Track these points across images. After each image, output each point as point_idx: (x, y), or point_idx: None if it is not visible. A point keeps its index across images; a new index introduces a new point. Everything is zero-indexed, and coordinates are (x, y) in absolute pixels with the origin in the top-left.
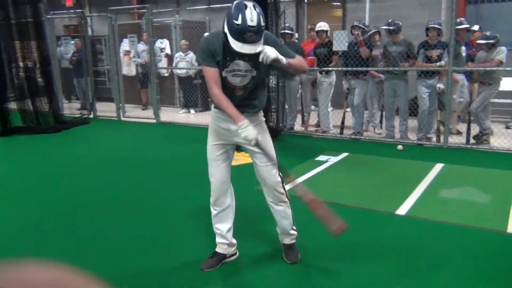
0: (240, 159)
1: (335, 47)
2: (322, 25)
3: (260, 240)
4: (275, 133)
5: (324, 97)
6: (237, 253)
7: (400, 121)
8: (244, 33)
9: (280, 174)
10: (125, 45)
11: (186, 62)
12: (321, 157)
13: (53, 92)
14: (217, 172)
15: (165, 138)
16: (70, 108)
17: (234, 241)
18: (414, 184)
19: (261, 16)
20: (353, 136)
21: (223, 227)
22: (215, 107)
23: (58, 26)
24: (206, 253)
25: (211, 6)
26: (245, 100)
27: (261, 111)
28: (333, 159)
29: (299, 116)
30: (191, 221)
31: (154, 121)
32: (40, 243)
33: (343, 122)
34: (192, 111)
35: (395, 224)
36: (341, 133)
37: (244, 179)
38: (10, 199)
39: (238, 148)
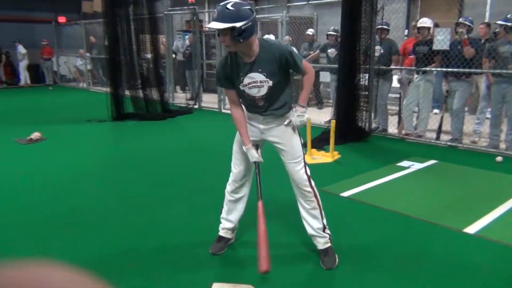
0: (319, 158)
1: (435, 46)
2: (424, 21)
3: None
4: (363, 134)
5: (424, 99)
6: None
7: (507, 130)
8: (216, 12)
9: (307, 173)
10: None
11: None
12: (404, 163)
13: (162, 82)
14: (241, 165)
15: None
16: (182, 98)
17: (237, 226)
18: (498, 202)
19: (238, 6)
20: (449, 143)
21: (234, 217)
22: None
23: (181, 21)
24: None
25: (320, 1)
26: (269, 108)
27: (288, 112)
28: (417, 166)
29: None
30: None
31: None
32: (123, 210)
33: (440, 127)
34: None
35: (457, 242)
36: (438, 138)
37: (313, 178)
38: (106, 174)
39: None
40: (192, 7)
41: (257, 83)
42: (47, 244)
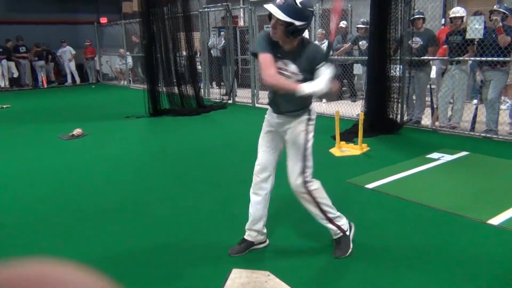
0: (347, 151)
1: (469, 35)
2: (457, 11)
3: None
4: (394, 126)
5: (459, 90)
6: (267, 241)
7: None
8: None
9: (306, 179)
10: None
11: None
12: (434, 155)
13: (197, 79)
14: (262, 157)
15: None
16: (217, 94)
17: (264, 230)
18: None
19: (305, 5)
20: (483, 134)
21: (256, 215)
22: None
23: (217, 18)
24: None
25: None
26: (286, 103)
27: (304, 114)
28: (447, 158)
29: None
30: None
31: None
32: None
33: (475, 117)
34: (324, 99)
35: (479, 234)
36: (472, 129)
37: (339, 170)
38: (140, 168)
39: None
40: (225, 3)
41: (287, 71)
42: (99, 231)
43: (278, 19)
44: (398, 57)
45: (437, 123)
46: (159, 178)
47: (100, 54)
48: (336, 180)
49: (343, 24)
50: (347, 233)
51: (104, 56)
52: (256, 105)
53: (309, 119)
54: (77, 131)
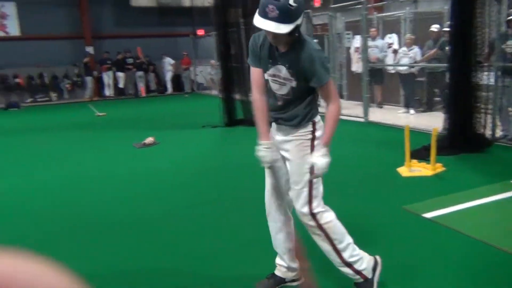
0: (417, 170)
1: None
2: None
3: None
4: (482, 143)
5: None
6: (303, 278)
7: None
8: (265, 5)
9: (312, 207)
10: (357, 41)
11: (409, 58)
12: None
13: None
14: (267, 183)
15: (355, 138)
16: None
17: (294, 265)
18: None
19: (299, 0)
20: None
21: (279, 248)
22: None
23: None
24: None
25: None
26: (283, 112)
27: (306, 127)
28: None
29: None
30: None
31: (363, 120)
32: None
33: None
34: (412, 111)
35: None
36: None
37: (399, 193)
38: (200, 179)
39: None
40: (306, 10)
41: (280, 78)
42: (170, 237)
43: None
44: (487, 64)
45: None
46: (212, 191)
47: (195, 65)
48: (392, 204)
49: (434, 28)
50: (369, 277)
51: (200, 67)
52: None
53: (313, 135)
54: (149, 139)
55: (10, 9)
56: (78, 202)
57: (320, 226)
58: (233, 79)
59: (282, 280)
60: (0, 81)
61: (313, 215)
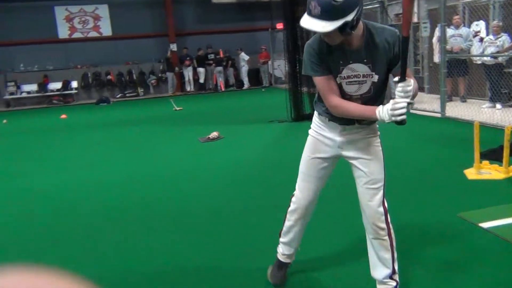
0: (486, 173)
1: None
2: None
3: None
4: None
5: None
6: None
7: None
8: (310, 2)
9: (385, 204)
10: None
11: (496, 47)
12: None
13: None
14: (308, 190)
15: (426, 135)
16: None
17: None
18: None
19: None
20: None
21: (295, 242)
22: (320, 114)
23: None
24: None
25: None
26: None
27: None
28: None
29: None
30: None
31: (439, 115)
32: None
33: None
34: (498, 105)
35: None
36: None
37: (459, 198)
38: (256, 176)
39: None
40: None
41: (358, 77)
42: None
43: (328, 32)
44: None
45: None
46: (271, 188)
47: (273, 59)
48: (447, 210)
49: None
50: None
51: (277, 61)
52: (411, 111)
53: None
54: (214, 134)
55: (104, 11)
56: (142, 196)
57: (388, 227)
58: (301, 72)
59: (288, 265)
60: (94, 78)
61: (385, 213)
